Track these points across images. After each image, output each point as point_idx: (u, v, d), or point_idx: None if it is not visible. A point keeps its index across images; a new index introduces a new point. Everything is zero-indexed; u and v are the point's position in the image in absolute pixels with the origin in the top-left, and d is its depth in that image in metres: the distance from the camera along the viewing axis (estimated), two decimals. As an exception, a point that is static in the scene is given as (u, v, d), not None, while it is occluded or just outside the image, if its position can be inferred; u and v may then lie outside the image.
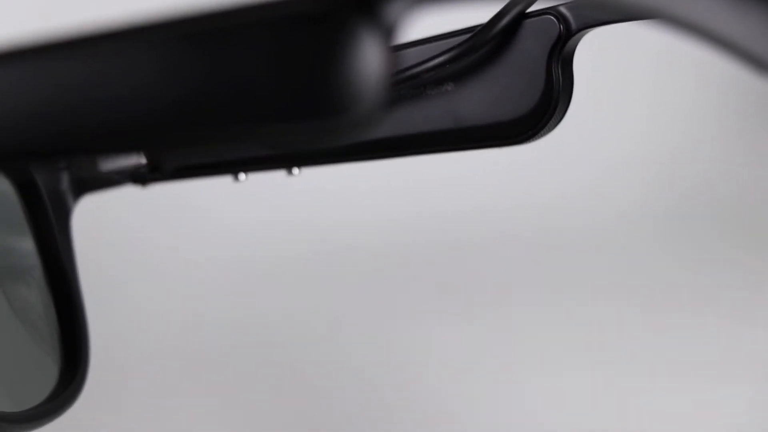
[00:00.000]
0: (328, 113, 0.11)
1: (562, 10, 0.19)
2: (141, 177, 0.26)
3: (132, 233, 0.34)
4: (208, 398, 0.34)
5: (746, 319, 0.30)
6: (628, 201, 0.31)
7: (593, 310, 0.31)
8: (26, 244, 0.25)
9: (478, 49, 0.19)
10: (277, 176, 0.25)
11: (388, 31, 0.11)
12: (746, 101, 0.30)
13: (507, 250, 0.31)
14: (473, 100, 0.20)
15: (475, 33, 0.19)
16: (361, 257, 0.33)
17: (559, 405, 0.31)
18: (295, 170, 0.24)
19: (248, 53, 0.11)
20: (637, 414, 0.31)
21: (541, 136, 0.20)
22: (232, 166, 0.25)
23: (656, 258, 0.31)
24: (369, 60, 0.10)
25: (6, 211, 0.25)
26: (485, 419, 0.31)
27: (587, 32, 0.19)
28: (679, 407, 0.30)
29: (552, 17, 0.19)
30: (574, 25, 0.19)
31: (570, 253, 0.31)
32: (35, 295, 0.25)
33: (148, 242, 0.33)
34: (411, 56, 0.20)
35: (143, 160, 0.26)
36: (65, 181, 0.25)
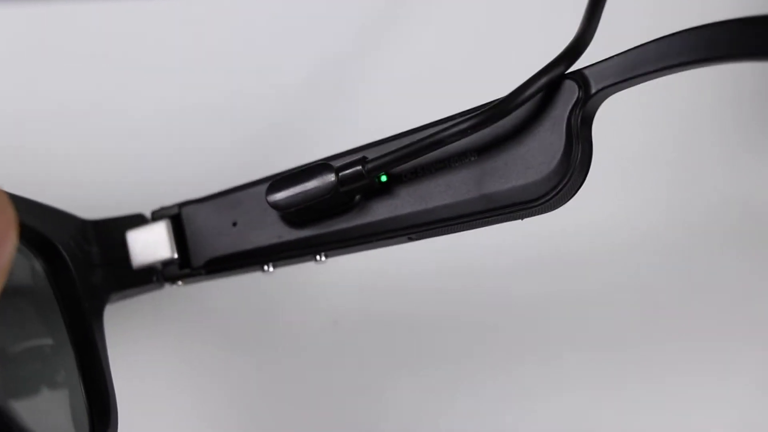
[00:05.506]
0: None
1: (585, 72, 0.20)
2: (170, 275, 0.26)
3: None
4: None
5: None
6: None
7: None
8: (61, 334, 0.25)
9: (501, 117, 0.20)
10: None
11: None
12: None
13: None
14: (497, 167, 0.21)
15: (499, 102, 0.20)
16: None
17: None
18: (321, 258, 0.24)
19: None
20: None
21: (565, 198, 0.20)
22: (260, 256, 0.25)
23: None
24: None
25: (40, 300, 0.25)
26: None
27: (608, 93, 0.19)
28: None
29: (572, 81, 0.20)
30: (593, 87, 0.19)
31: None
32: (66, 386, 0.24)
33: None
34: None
35: (175, 255, 0.26)
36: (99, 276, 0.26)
